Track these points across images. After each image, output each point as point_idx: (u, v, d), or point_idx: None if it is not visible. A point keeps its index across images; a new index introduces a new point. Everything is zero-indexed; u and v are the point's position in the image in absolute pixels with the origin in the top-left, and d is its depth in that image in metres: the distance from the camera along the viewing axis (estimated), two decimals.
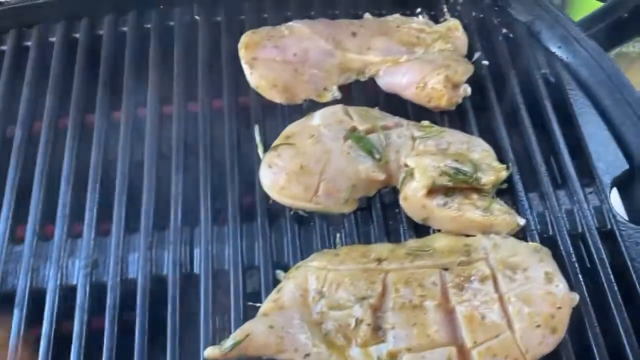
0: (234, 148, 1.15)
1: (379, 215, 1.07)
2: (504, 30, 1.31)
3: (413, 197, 1.02)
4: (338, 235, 1.04)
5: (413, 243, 1.01)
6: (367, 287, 0.94)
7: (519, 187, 1.09)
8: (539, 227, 1.06)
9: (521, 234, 1.05)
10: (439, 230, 1.04)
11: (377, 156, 1.05)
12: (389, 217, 1.07)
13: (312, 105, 1.18)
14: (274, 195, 1.05)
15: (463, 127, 1.16)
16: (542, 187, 1.10)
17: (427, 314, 0.91)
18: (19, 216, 1.10)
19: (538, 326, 0.90)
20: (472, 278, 0.94)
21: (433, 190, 1.02)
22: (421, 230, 1.06)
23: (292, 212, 1.07)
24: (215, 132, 1.18)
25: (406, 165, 1.06)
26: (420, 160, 1.02)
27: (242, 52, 1.20)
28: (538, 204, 1.09)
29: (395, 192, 1.09)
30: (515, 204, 1.08)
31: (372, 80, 1.22)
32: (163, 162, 1.15)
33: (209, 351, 0.92)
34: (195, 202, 1.10)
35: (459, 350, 0.89)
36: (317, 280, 0.96)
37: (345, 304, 0.94)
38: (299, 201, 1.04)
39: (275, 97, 1.17)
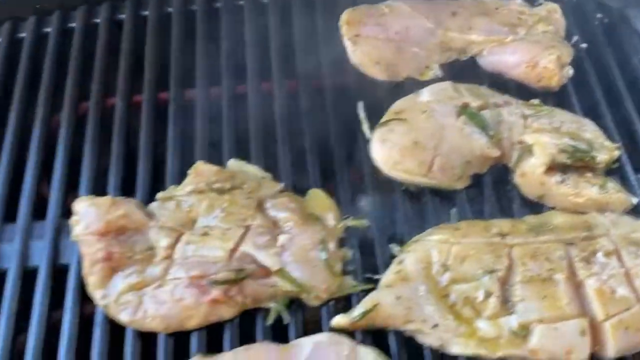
0: (338, 125, 1.15)
1: (490, 193, 1.07)
2: (599, 15, 1.32)
3: (531, 174, 1.03)
4: (453, 210, 1.05)
5: (532, 219, 1.01)
6: (494, 261, 0.94)
7: (628, 167, 1.10)
8: None
9: (633, 214, 1.06)
10: (552, 209, 1.06)
11: (491, 133, 1.06)
12: (501, 195, 1.08)
13: (413, 84, 1.20)
14: (388, 170, 1.05)
15: (566, 108, 1.16)
16: None
17: (557, 287, 0.91)
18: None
19: None
20: (597, 253, 0.95)
21: (550, 168, 1.03)
22: (534, 209, 1.06)
23: (403, 188, 1.08)
24: (316, 111, 1.19)
25: (520, 143, 1.06)
26: (539, 137, 1.02)
27: (344, 29, 1.20)
28: None
29: (506, 170, 1.10)
30: (624, 184, 1.08)
31: (471, 60, 1.22)
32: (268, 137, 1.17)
33: (338, 319, 0.92)
34: (304, 179, 1.10)
35: (591, 322, 0.90)
36: (440, 253, 0.96)
37: (471, 277, 0.94)
38: (414, 176, 1.04)
39: (378, 74, 1.17)
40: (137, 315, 0.93)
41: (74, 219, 1.00)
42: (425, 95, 1.11)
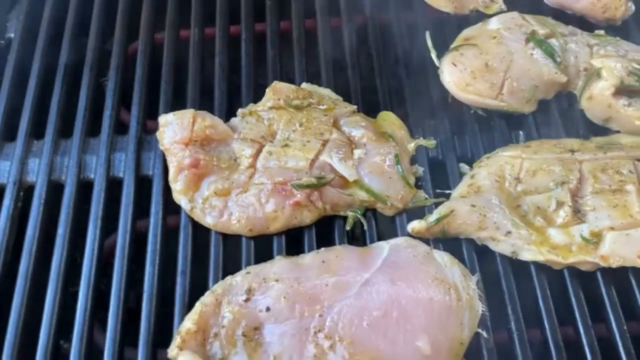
0: (407, 56, 1.19)
1: (557, 117, 1.11)
2: None
3: (599, 96, 1.06)
4: (521, 132, 1.09)
5: (600, 139, 1.05)
6: (565, 173, 0.98)
7: None
8: None
9: None
10: (617, 132, 1.09)
11: (559, 59, 1.09)
12: (567, 119, 1.11)
13: (480, 16, 1.23)
14: (459, 92, 1.09)
15: (629, 41, 1.19)
16: None
17: (628, 196, 0.95)
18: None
19: None
20: None
21: (617, 92, 1.06)
22: (600, 132, 1.09)
23: (472, 111, 1.12)
24: (386, 43, 1.22)
25: (586, 70, 1.09)
26: (607, 61, 1.06)
27: None
28: None
29: (571, 97, 1.13)
30: None
31: None
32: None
33: (414, 224, 0.97)
34: (375, 104, 1.14)
35: None
36: (512, 167, 1.00)
37: (544, 188, 0.98)
38: (484, 98, 1.08)
39: (445, 5, 1.21)
40: (223, 218, 0.98)
41: (160, 131, 1.05)
42: (494, 23, 1.14)
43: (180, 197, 1.00)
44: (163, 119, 1.05)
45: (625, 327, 0.93)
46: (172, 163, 1.01)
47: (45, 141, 1.10)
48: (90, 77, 1.19)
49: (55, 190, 1.07)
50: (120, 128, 1.14)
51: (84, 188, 1.07)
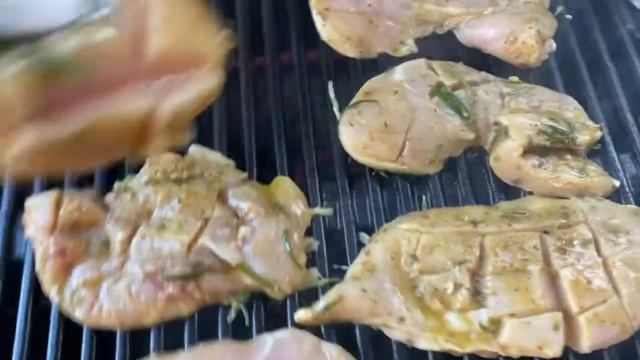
0: (306, 105, 1.10)
1: (465, 177, 1.02)
2: None
3: (507, 157, 0.97)
4: (424, 197, 1.00)
5: (506, 205, 0.96)
6: (464, 251, 0.90)
7: (611, 147, 1.04)
8: (633, 189, 1.01)
9: (615, 197, 1.00)
10: (530, 193, 1.00)
11: (466, 114, 1.00)
12: (476, 179, 1.02)
13: (387, 60, 1.13)
14: (356, 154, 1.00)
15: (548, 84, 1.10)
16: (634, 147, 1.05)
17: (531, 279, 0.86)
18: None
19: None
20: (574, 242, 0.90)
21: (527, 151, 0.97)
22: (511, 192, 1.01)
23: (373, 173, 1.03)
24: (285, 89, 1.13)
25: (496, 124, 1.00)
26: (515, 118, 0.96)
27: (312, 2, 1.12)
28: (631, 165, 1.05)
29: (481, 152, 1.04)
30: (607, 166, 1.03)
31: (450, 34, 1.15)
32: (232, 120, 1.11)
33: (300, 314, 0.89)
34: (271, 162, 1.05)
35: (565, 315, 0.86)
36: (409, 243, 0.92)
37: (441, 268, 0.89)
38: (383, 161, 0.99)
39: (349, 50, 1.10)
40: (93, 312, 0.89)
41: (25, 216, 0.96)
42: (397, 74, 1.04)
43: (48, 289, 0.91)
44: (28, 202, 0.95)
45: None
46: (38, 251, 0.92)
47: None
48: None
49: None
50: None
51: None
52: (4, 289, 0.96)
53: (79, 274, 0.90)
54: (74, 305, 0.90)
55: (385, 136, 0.98)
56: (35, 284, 0.94)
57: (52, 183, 1.03)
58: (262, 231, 0.93)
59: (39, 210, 0.93)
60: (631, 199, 1.01)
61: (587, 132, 1.00)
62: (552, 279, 0.88)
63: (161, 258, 0.90)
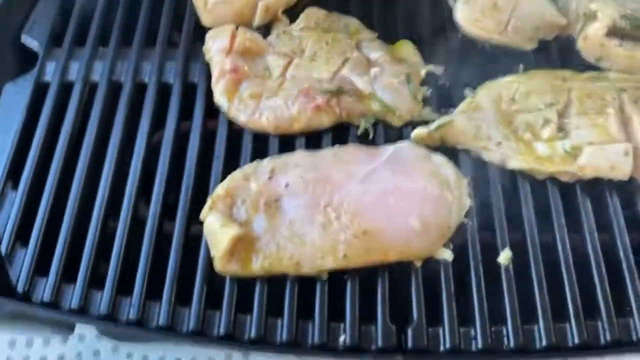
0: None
1: (555, 56, 1.24)
2: None
3: (594, 36, 1.19)
4: (521, 65, 1.22)
5: (591, 72, 1.18)
6: (554, 97, 1.12)
7: None
8: None
9: None
10: (609, 71, 1.21)
11: (560, 4, 1.23)
12: (564, 58, 1.24)
13: None
14: (469, 26, 1.23)
15: None
16: None
17: (608, 119, 1.08)
18: None
19: None
20: None
21: (611, 33, 1.18)
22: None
23: (479, 46, 1.25)
24: None
25: (585, 15, 1.22)
26: (603, 5, 1.18)
27: None
28: None
29: (569, 41, 1.25)
30: None
31: None
32: None
33: (417, 130, 1.11)
34: (395, 34, 1.28)
35: (634, 148, 1.06)
36: (509, 90, 1.14)
37: (534, 108, 1.11)
38: (491, 33, 1.22)
39: None
40: (254, 116, 1.14)
41: (207, 44, 1.22)
42: None
43: (220, 98, 1.17)
44: (209, 33, 1.23)
45: (596, 237, 1.05)
46: (215, 68, 1.18)
47: (110, 48, 1.29)
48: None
49: (114, 90, 1.26)
50: (172, 43, 1.32)
51: (139, 89, 1.25)
52: (182, 104, 1.22)
53: (246, 87, 1.16)
54: (240, 111, 1.15)
55: (494, 13, 1.22)
56: (208, 100, 1.19)
57: None
58: (389, 71, 1.18)
59: (218, 38, 1.20)
60: None
61: None
62: (626, 121, 1.09)
63: (312, 80, 1.15)
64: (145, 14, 1.34)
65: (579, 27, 1.22)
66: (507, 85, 1.14)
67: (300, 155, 1.08)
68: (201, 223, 1.06)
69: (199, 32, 1.31)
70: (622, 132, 1.07)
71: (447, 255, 1.00)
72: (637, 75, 1.17)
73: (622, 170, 1.04)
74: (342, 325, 0.98)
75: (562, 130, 1.09)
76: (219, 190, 1.03)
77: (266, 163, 1.07)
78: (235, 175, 1.05)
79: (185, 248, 1.07)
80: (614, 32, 1.18)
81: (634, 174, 1.07)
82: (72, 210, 1.12)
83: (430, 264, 1.03)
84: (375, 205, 1.00)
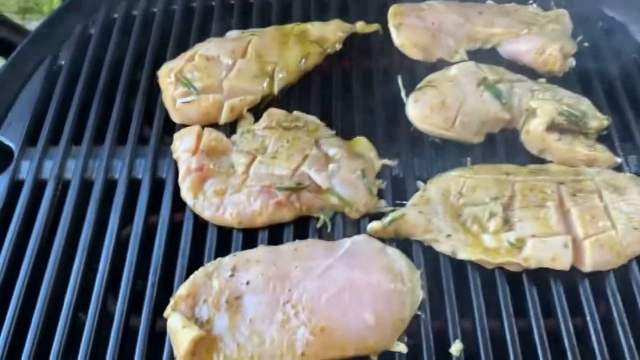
0: (382, 94, 1.43)
1: (500, 148, 1.33)
2: (601, 23, 1.59)
3: (535, 131, 1.28)
4: (469, 158, 1.31)
5: (532, 166, 1.26)
6: (499, 191, 1.20)
7: (615, 135, 1.34)
8: (632, 169, 1.30)
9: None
10: (551, 162, 1.30)
11: (504, 101, 1.32)
12: (509, 150, 1.33)
13: (444, 64, 1.47)
14: (419, 123, 1.32)
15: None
16: (635, 139, 1.34)
17: (548, 211, 1.16)
18: None
19: (635, 229, 1.14)
20: (583, 191, 1.19)
21: (550, 128, 1.28)
22: (536, 162, 1.30)
23: (430, 140, 1.34)
24: (366, 83, 1.47)
25: (527, 110, 1.32)
26: (543, 103, 1.28)
27: (390, 18, 1.50)
28: (631, 150, 1.33)
29: (514, 133, 1.35)
30: (611, 149, 1.32)
31: (492, 50, 1.50)
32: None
33: (372, 224, 1.18)
34: (352, 130, 1.38)
35: (573, 240, 1.13)
36: (457, 183, 1.22)
37: (480, 202, 1.19)
38: (439, 129, 1.31)
39: (416, 55, 1.46)
40: (219, 212, 1.21)
41: (174, 143, 1.29)
42: (452, 70, 1.38)
43: (186, 195, 1.24)
44: (177, 133, 1.31)
45: (542, 322, 1.11)
46: (182, 167, 1.25)
47: (82, 147, 1.36)
48: (121, 99, 1.46)
49: (86, 187, 1.32)
50: (143, 140, 1.40)
51: (110, 186, 1.32)
52: (150, 200, 1.28)
53: (210, 185, 1.23)
54: (205, 208, 1.22)
55: (442, 110, 1.31)
56: (175, 194, 1.26)
57: None
58: (346, 167, 1.25)
59: (185, 138, 1.28)
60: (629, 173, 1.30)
61: (597, 120, 1.31)
62: (565, 214, 1.17)
63: (273, 177, 1.22)
64: (117, 112, 1.42)
65: (522, 122, 1.33)
66: (455, 179, 1.23)
67: (261, 252, 1.14)
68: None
69: (170, 126, 1.40)
70: (562, 224, 1.14)
71: (401, 348, 1.05)
72: (576, 167, 1.26)
73: (562, 261, 1.11)
74: None
75: (507, 223, 1.17)
76: (182, 291, 1.07)
77: (228, 260, 1.12)
78: (198, 274, 1.09)
79: (150, 344, 1.12)
80: (553, 127, 1.28)
81: (575, 264, 1.14)
82: (43, 305, 1.16)
83: (386, 357, 1.08)
84: (331, 302, 1.05)
